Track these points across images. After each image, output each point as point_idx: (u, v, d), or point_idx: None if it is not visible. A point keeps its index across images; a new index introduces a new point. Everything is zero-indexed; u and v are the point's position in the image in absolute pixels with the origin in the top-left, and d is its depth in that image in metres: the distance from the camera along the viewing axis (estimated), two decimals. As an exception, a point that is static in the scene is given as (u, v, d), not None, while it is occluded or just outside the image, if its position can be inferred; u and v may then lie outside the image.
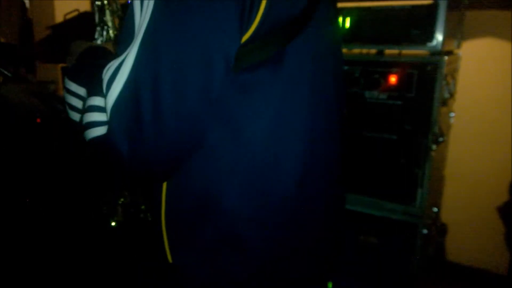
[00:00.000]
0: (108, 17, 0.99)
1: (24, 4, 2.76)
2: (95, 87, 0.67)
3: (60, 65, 2.40)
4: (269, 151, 0.69)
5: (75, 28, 2.19)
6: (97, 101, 0.65)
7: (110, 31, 0.99)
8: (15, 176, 1.76)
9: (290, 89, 0.69)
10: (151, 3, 0.57)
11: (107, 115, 0.61)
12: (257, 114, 0.66)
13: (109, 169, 0.73)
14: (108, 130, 0.60)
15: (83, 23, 2.18)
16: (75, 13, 2.29)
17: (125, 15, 0.64)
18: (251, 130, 0.67)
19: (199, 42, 0.57)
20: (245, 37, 0.61)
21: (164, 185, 0.72)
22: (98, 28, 0.99)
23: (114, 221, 1.10)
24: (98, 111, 0.65)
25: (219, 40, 0.58)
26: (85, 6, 2.52)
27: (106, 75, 0.61)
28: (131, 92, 0.58)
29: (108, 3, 0.98)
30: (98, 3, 0.98)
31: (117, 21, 0.99)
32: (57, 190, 1.87)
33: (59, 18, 2.56)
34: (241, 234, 0.70)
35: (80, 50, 0.82)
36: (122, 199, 1.10)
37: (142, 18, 0.59)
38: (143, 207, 1.09)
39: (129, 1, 0.63)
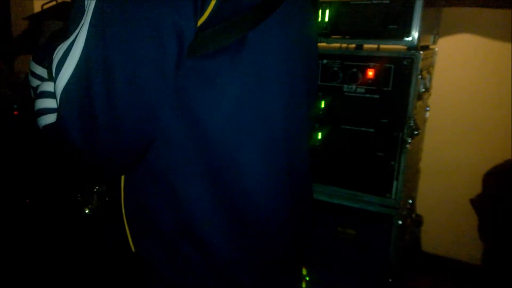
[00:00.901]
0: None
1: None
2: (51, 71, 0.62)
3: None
4: (230, 141, 0.66)
5: (52, 18, 2.15)
6: (49, 86, 0.62)
7: None
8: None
9: (252, 78, 0.66)
10: None
11: (56, 102, 0.57)
12: (216, 103, 0.64)
13: (66, 157, 0.68)
14: (58, 117, 0.57)
15: (60, 13, 2.14)
16: (53, 3, 2.25)
17: None
18: (210, 119, 0.64)
19: (149, 21, 0.53)
20: (201, 20, 0.58)
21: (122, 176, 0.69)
22: None
23: (88, 209, 1.09)
24: (50, 97, 0.62)
25: (170, 16, 0.54)
26: (63, -4, 2.48)
27: (55, 58, 0.57)
28: (81, 76, 0.55)
29: None
30: None
31: None
32: (34, 180, 1.85)
33: (37, 8, 2.52)
34: (199, 227, 0.67)
35: (49, 33, 0.78)
36: (97, 187, 1.09)
37: None
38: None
39: None
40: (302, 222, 0.89)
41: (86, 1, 0.56)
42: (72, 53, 0.55)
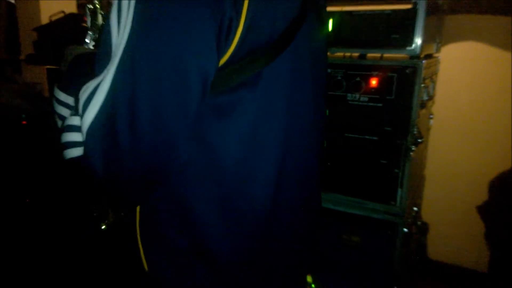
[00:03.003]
0: (100, 21, 0.99)
1: (11, 4, 2.74)
2: (76, 107, 0.66)
3: (46, 66, 2.39)
4: (242, 168, 0.69)
5: (60, 29, 2.18)
6: (76, 120, 0.65)
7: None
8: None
9: (265, 107, 0.69)
10: (128, 23, 0.56)
11: (82, 137, 0.60)
12: (230, 134, 0.67)
13: (90, 188, 0.72)
14: (84, 152, 0.60)
15: (68, 25, 2.18)
16: (61, 15, 2.29)
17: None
18: (224, 148, 0.67)
19: (176, 65, 0.56)
20: (223, 60, 0.61)
21: None
22: (90, 32, 0.99)
23: (104, 224, 1.10)
24: (76, 131, 0.64)
25: (197, 63, 0.57)
26: (70, 8, 2.52)
27: (83, 96, 0.60)
28: (107, 115, 0.57)
29: (101, 7, 0.98)
30: (91, 7, 0.98)
31: None
32: (44, 192, 1.86)
33: (44, 19, 2.55)
34: (213, 249, 0.70)
35: (74, 55, 0.81)
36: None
37: (119, 37, 0.58)
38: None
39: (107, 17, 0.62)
40: (311, 237, 0.92)
41: (112, 41, 0.59)
42: (100, 91, 0.58)
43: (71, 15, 2.30)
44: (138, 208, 0.73)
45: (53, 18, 2.30)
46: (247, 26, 0.60)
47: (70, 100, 0.75)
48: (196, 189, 0.69)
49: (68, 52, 0.84)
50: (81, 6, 2.74)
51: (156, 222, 0.72)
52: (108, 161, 0.58)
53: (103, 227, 1.10)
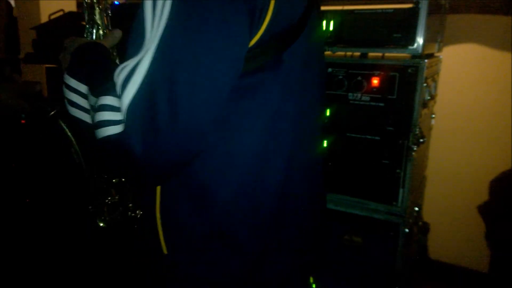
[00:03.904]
0: (97, 16, 0.99)
1: (9, 4, 2.74)
2: (103, 86, 0.69)
3: (45, 65, 2.38)
4: (263, 150, 0.73)
5: (59, 28, 2.17)
6: (108, 100, 0.66)
7: (100, 30, 0.99)
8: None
9: (285, 93, 0.74)
10: (166, 10, 0.59)
11: (122, 115, 0.62)
12: (254, 117, 0.71)
13: (118, 168, 0.74)
14: (124, 129, 0.62)
15: (67, 23, 2.17)
16: (60, 13, 2.28)
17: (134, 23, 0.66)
18: (246, 132, 0.71)
19: (213, 52, 0.60)
20: (251, 43, 0.65)
21: None
22: (88, 27, 0.99)
23: (101, 221, 1.10)
24: (110, 110, 0.66)
25: (232, 48, 0.62)
26: (70, 7, 2.51)
27: (121, 75, 0.62)
28: (146, 93, 0.60)
29: (98, 2, 0.98)
30: (88, 1, 0.98)
31: (106, 20, 1.00)
32: (42, 189, 1.86)
33: (44, 18, 2.55)
34: (232, 230, 0.74)
35: (76, 45, 0.82)
36: (109, 198, 1.10)
37: (155, 22, 0.61)
38: (131, 205, 1.09)
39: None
40: (316, 231, 0.95)
41: (146, 25, 0.62)
42: (138, 72, 0.61)
43: (70, 13, 2.29)
44: (158, 192, 0.75)
45: (53, 17, 2.29)
46: (274, 15, 0.65)
47: (81, 87, 0.76)
48: (217, 173, 0.72)
49: (68, 43, 0.85)
50: (80, 4, 2.73)
51: (176, 206, 0.75)
52: (146, 138, 0.60)
53: (101, 224, 1.10)
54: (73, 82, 0.77)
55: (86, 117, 0.76)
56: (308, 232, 0.91)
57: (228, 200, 0.73)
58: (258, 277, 0.79)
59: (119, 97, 0.63)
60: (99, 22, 0.98)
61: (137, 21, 0.64)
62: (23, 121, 1.91)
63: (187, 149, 0.65)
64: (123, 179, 1.07)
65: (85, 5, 0.99)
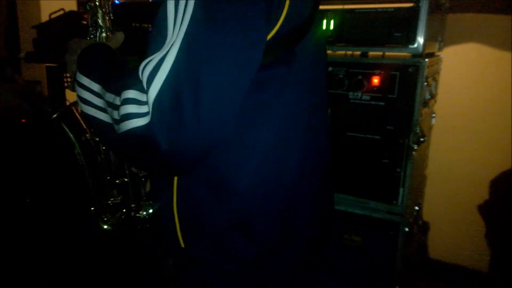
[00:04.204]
0: (100, 19, 1.00)
1: (12, 2, 2.73)
2: (121, 81, 0.71)
3: (46, 64, 2.38)
4: (278, 142, 0.76)
5: (60, 27, 2.17)
6: (131, 94, 0.68)
7: (103, 33, 1.00)
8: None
9: (299, 87, 0.77)
10: (190, 6, 0.62)
11: (147, 108, 0.64)
12: (269, 107, 0.74)
13: (141, 161, 0.76)
14: (150, 121, 0.63)
15: (68, 23, 2.17)
16: (61, 13, 2.28)
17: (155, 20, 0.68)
18: (263, 123, 0.74)
19: (236, 46, 0.63)
20: (268, 37, 0.68)
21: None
22: (91, 29, 1.01)
23: (104, 222, 1.11)
24: (134, 103, 0.67)
25: (253, 44, 0.64)
26: (70, 6, 2.51)
27: (146, 69, 0.64)
28: (172, 88, 0.62)
29: (101, 5, 0.99)
30: (91, 4, 0.99)
31: (108, 22, 1.01)
32: (43, 190, 1.86)
33: (45, 17, 2.54)
34: (250, 220, 0.76)
35: (82, 46, 0.84)
36: (112, 199, 1.11)
37: (178, 18, 0.63)
38: (133, 205, 1.10)
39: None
40: (324, 223, 0.98)
41: (169, 23, 0.64)
42: (163, 67, 0.62)
43: (71, 12, 2.29)
44: (175, 186, 0.77)
45: (53, 16, 2.29)
46: (290, 9, 0.68)
47: (94, 85, 0.78)
48: (235, 165, 0.74)
49: (73, 44, 0.86)
50: (81, 4, 2.73)
51: (193, 198, 0.77)
52: (171, 132, 0.62)
53: (105, 227, 1.10)
54: (85, 81, 0.79)
55: (99, 115, 0.77)
56: (315, 226, 0.93)
57: (246, 190, 0.75)
58: (271, 268, 0.81)
59: (144, 91, 0.65)
60: (102, 24, 1.00)
61: (159, 17, 0.66)
62: (23, 120, 1.91)
63: (211, 142, 0.67)
64: (145, 171, 1.08)
65: (88, 8, 1.00)
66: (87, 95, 0.78)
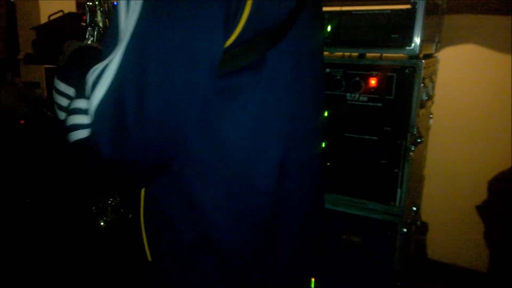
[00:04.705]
0: (99, 18, 1.00)
1: (11, 3, 2.74)
2: (81, 89, 0.66)
3: (45, 66, 2.39)
4: (248, 156, 0.69)
5: (59, 29, 2.18)
6: (81, 103, 0.65)
7: (101, 32, 1.00)
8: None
9: (270, 95, 0.70)
10: (138, 7, 0.56)
11: (90, 118, 0.60)
12: (235, 119, 0.67)
13: (93, 171, 0.72)
14: (91, 133, 0.60)
15: (67, 24, 2.17)
16: (60, 14, 2.28)
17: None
18: (229, 135, 0.67)
19: (185, 48, 0.57)
20: (228, 42, 0.62)
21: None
22: (89, 29, 1.01)
23: (103, 221, 1.11)
24: (81, 113, 0.65)
25: (205, 46, 0.58)
26: (70, 7, 2.52)
27: (91, 77, 0.60)
28: (115, 95, 0.57)
29: (99, 4, 0.99)
30: (90, 3, 0.99)
31: (107, 22, 1.01)
32: (44, 190, 1.87)
33: (44, 19, 2.55)
34: (216, 237, 0.71)
35: (71, 49, 0.82)
36: (111, 199, 1.11)
37: (127, 21, 0.58)
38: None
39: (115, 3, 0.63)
40: (316, 232, 0.93)
41: (120, 25, 0.59)
42: (108, 72, 0.58)
43: (70, 14, 2.29)
44: (142, 197, 0.73)
45: (52, 18, 2.30)
46: (253, 10, 0.61)
47: (70, 90, 0.75)
48: (202, 178, 0.69)
49: (66, 47, 0.84)
50: (80, 5, 2.73)
51: (160, 212, 0.73)
52: (115, 142, 0.58)
53: (102, 223, 1.11)
54: (62, 86, 0.76)
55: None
56: (307, 233, 0.89)
57: (213, 205, 0.70)
58: (251, 280, 0.77)
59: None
60: (100, 24, 1.00)
61: (113, 20, 0.61)
62: (22, 121, 1.91)
63: (160, 151, 0.63)
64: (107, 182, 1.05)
65: (87, 8, 1.00)
66: (63, 101, 0.75)
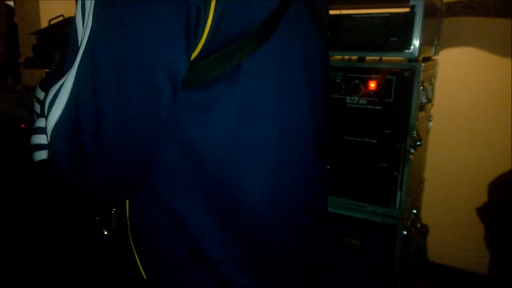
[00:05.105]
0: None
1: (10, 7, 2.75)
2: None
3: (45, 70, 2.40)
4: (230, 167, 0.65)
5: (59, 33, 2.19)
6: (43, 122, 0.62)
7: None
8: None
9: (249, 104, 0.65)
10: (90, 22, 0.53)
11: (47, 140, 0.57)
12: (211, 129, 0.63)
13: (63, 190, 0.70)
14: (49, 155, 0.58)
15: (68, 29, 2.18)
16: (60, 19, 2.29)
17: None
18: (206, 145, 0.63)
19: (140, 59, 0.53)
20: (194, 53, 0.57)
21: (127, 202, 0.70)
22: None
23: (107, 230, 1.11)
24: (43, 133, 0.62)
25: (163, 57, 0.54)
26: (70, 12, 2.53)
27: (48, 98, 0.57)
28: (71, 116, 0.54)
29: None
30: None
31: None
32: (45, 195, 1.87)
33: (44, 23, 2.56)
34: (207, 252, 0.67)
35: (59, 58, 0.80)
36: (115, 209, 1.11)
37: (84, 36, 0.54)
38: None
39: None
40: (315, 243, 0.89)
41: (78, 39, 0.57)
42: (63, 91, 0.55)
43: (70, 19, 2.30)
44: (128, 215, 0.71)
45: (53, 22, 2.31)
46: (218, 15, 0.56)
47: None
48: (181, 193, 0.65)
49: (57, 55, 0.83)
50: (80, 10, 2.73)
51: (148, 230, 0.70)
52: (74, 163, 0.55)
53: (105, 233, 1.11)
54: (42, 95, 0.73)
55: None
56: (308, 239, 0.85)
57: (199, 220, 0.66)
58: None
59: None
60: None
61: (72, 34, 0.58)
62: (23, 125, 1.92)
63: (123, 170, 0.59)
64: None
65: None
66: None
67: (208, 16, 0.55)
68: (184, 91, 0.59)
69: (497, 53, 2.03)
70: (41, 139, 0.62)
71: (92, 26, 0.53)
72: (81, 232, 1.65)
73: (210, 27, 0.56)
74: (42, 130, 0.62)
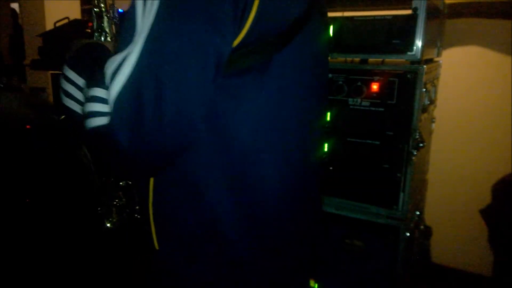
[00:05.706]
0: (105, 24, 1.03)
1: (15, 11, 2.78)
2: (96, 79, 0.70)
3: (50, 71, 2.42)
4: (252, 151, 0.74)
5: (65, 35, 2.21)
6: (99, 92, 0.68)
7: (108, 37, 1.03)
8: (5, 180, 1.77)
9: (275, 95, 0.74)
10: (155, 6, 0.61)
11: (109, 106, 0.63)
12: (242, 115, 0.71)
13: (106, 159, 0.74)
14: (110, 120, 0.63)
15: (72, 31, 2.20)
16: (65, 21, 2.31)
17: (123, 18, 0.68)
18: (236, 129, 0.72)
19: (197, 43, 0.61)
20: (235, 42, 0.66)
21: (151, 180, 0.76)
22: (96, 34, 1.04)
23: (109, 222, 1.13)
24: (99, 101, 0.67)
25: (214, 41, 0.62)
26: (75, 14, 2.55)
27: (110, 68, 0.64)
28: (134, 86, 0.61)
29: (106, 11, 1.02)
30: (97, 10, 1.01)
31: (114, 27, 1.03)
32: (48, 190, 1.88)
33: (49, 25, 2.58)
34: (221, 228, 0.74)
35: (84, 42, 0.85)
36: (116, 200, 1.13)
37: (145, 18, 0.62)
38: (138, 207, 1.11)
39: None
40: (313, 230, 0.96)
41: (137, 21, 0.64)
42: (126, 64, 0.62)
43: (75, 21, 2.32)
44: (151, 187, 0.76)
45: (58, 24, 2.33)
46: (259, 12, 0.65)
47: (79, 80, 0.77)
48: (209, 170, 0.72)
49: (75, 43, 0.86)
50: (85, 12, 2.77)
51: (169, 202, 0.76)
52: (132, 130, 0.61)
53: (108, 225, 1.12)
54: (72, 75, 0.78)
55: (79, 109, 0.76)
56: (305, 234, 0.92)
57: (219, 198, 0.73)
58: (252, 278, 0.80)
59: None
60: (107, 30, 1.03)
61: (128, 16, 0.65)
62: (28, 126, 1.93)
63: (174, 142, 0.66)
64: (114, 173, 1.09)
65: (94, 14, 1.03)
66: (71, 89, 0.78)
67: (251, 11, 0.64)
68: (222, 76, 0.67)
69: (500, 54, 2.03)
70: (97, 107, 0.67)
71: (157, 10, 0.61)
72: (83, 225, 1.66)
73: (252, 23, 0.65)
74: (99, 99, 0.67)
